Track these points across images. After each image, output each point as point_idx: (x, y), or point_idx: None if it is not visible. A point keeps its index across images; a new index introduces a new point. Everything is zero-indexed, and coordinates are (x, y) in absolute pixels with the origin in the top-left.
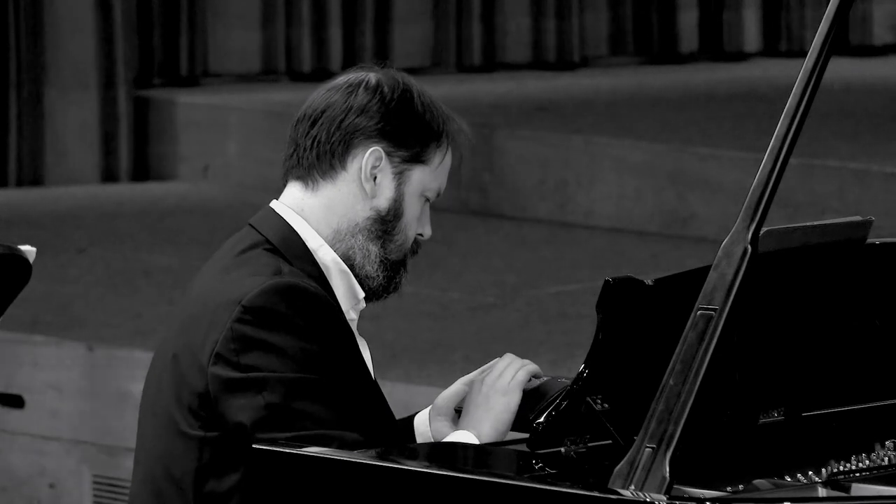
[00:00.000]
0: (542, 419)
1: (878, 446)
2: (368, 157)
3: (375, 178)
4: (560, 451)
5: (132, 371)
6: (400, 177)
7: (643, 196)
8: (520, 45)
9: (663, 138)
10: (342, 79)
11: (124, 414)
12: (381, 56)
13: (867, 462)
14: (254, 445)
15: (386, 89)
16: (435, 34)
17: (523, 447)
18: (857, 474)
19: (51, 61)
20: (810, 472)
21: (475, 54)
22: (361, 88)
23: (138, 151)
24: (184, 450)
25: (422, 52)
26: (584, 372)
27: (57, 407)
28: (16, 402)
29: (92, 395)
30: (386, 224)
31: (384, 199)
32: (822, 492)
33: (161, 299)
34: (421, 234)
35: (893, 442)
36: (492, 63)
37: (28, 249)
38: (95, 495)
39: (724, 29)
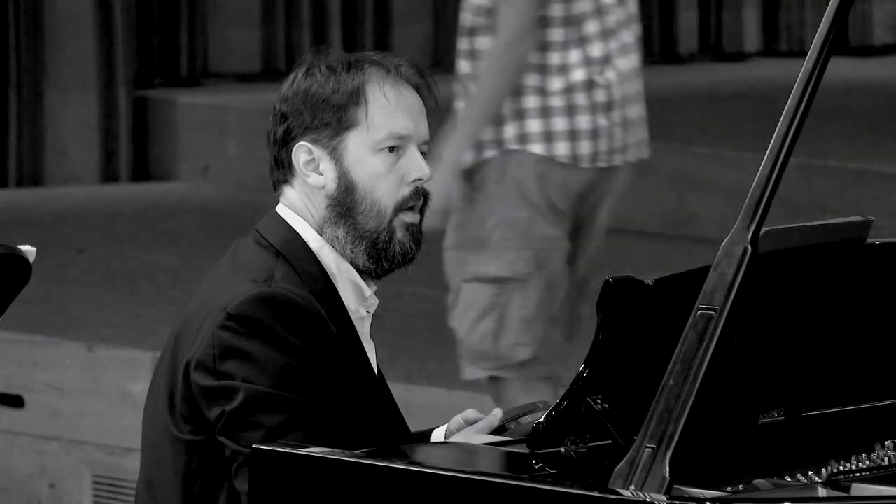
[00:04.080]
0: (541, 419)
1: (878, 446)
2: (298, 156)
3: (318, 169)
4: (560, 451)
5: (132, 371)
6: (334, 153)
7: (643, 196)
8: None
9: (663, 138)
10: None
11: (124, 414)
12: None
13: (867, 462)
14: (254, 445)
15: (285, 87)
16: (435, 34)
17: (523, 447)
18: (857, 474)
19: (51, 61)
20: (810, 472)
21: None
22: (279, 97)
23: (138, 151)
24: (174, 453)
25: (422, 52)
26: (584, 372)
27: (57, 407)
28: (16, 402)
29: (92, 395)
30: (342, 202)
31: (330, 181)
32: (822, 492)
33: (161, 299)
34: (419, 179)
35: (893, 442)
36: None
37: (28, 249)
38: (95, 495)
39: (724, 29)
